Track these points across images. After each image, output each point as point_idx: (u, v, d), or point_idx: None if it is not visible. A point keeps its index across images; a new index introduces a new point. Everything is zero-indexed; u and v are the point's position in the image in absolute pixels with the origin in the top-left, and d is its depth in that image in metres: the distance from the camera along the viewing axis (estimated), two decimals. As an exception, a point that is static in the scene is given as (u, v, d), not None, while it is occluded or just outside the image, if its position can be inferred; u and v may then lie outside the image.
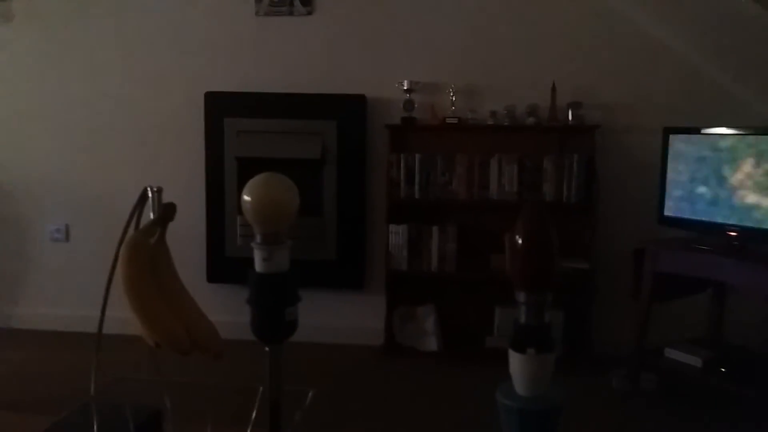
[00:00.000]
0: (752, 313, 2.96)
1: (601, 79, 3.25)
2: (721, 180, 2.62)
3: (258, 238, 0.83)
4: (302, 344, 2.77)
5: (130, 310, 1.00)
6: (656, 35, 3.20)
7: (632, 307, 2.89)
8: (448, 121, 3.23)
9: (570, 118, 3.16)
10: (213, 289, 3.40)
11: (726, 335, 2.94)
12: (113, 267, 1.03)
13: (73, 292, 3.60)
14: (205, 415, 1.11)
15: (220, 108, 3.37)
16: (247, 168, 3.30)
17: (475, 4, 3.32)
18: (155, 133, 3.53)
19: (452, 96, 3.25)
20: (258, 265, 0.83)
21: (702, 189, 2.69)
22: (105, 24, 3.52)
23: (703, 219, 2.68)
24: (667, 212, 2.83)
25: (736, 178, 2.57)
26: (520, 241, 0.74)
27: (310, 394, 1.05)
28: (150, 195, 1.05)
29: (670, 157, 2.82)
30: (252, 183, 0.82)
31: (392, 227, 3.25)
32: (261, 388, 1.01)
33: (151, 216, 1.07)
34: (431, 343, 3.30)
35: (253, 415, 1.05)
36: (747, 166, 2.53)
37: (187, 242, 3.26)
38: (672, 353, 2.75)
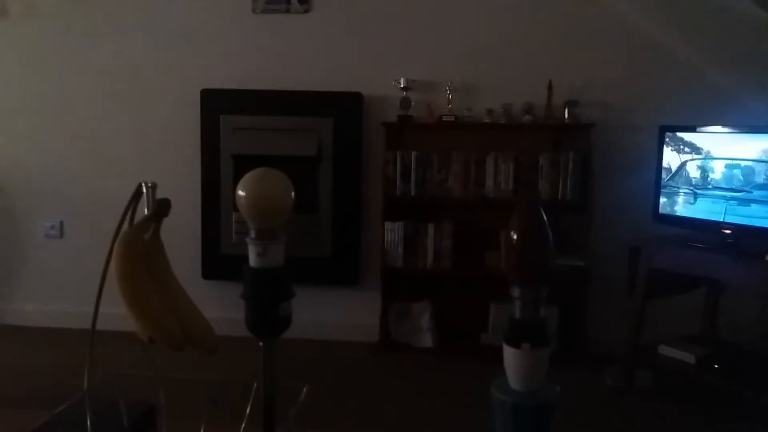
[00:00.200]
0: (746, 310, 2.97)
1: (597, 78, 3.26)
2: (716, 178, 2.63)
3: (252, 234, 0.83)
4: (297, 341, 2.78)
5: (124, 305, 1.00)
6: (652, 34, 3.21)
7: (627, 304, 2.90)
8: (445, 118, 3.23)
9: (566, 116, 3.17)
10: (208, 285, 3.39)
11: (720, 332, 2.96)
12: (107, 263, 1.03)
13: (67, 288, 3.59)
14: (199, 410, 1.11)
15: (217, 105, 3.37)
16: (243, 165, 3.28)
17: (471, 3, 3.32)
18: (151, 129, 3.52)
19: (449, 94, 3.25)
20: (252, 261, 0.83)
21: (697, 187, 2.70)
22: (100, 20, 3.50)
23: (698, 217, 2.69)
24: (662, 210, 2.84)
25: (731, 176, 2.58)
26: (515, 237, 0.74)
27: (304, 389, 1.05)
28: (144, 191, 1.05)
29: (665, 155, 2.83)
30: (246, 178, 0.82)
31: (388, 224, 3.26)
32: (255, 384, 1.01)
33: (146, 212, 1.07)
34: (426, 340, 3.31)
35: (248, 410, 1.05)
36: (741, 164, 2.54)
37: (182, 239, 3.25)
38: (666, 350, 2.76)
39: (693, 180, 2.72)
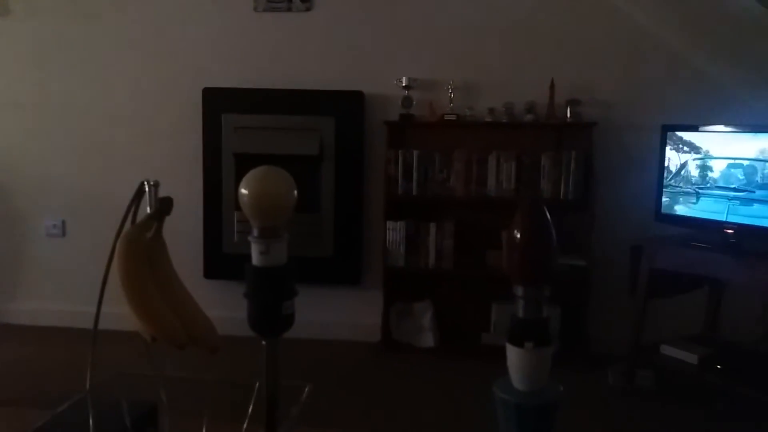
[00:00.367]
0: (748, 310, 2.96)
1: (599, 77, 3.25)
2: (718, 177, 2.62)
3: (255, 232, 0.82)
4: (299, 340, 2.77)
5: (127, 304, 1.00)
6: (655, 33, 3.20)
7: (629, 304, 2.90)
8: (447, 117, 3.23)
9: (568, 115, 3.16)
10: (209, 285, 3.39)
11: (722, 332, 2.95)
12: (109, 261, 1.03)
13: (69, 287, 3.59)
14: (201, 410, 1.11)
15: (218, 104, 3.36)
16: (245, 164, 3.28)
17: (474, 1, 3.31)
18: (153, 128, 3.52)
19: (450, 93, 3.24)
20: (255, 259, 0.83)
21: (699, 186, 2.69)
22: (102, 19, 3.50)
23: (700, 216, 2.68)
24: (664, 209, 2.83)
25: (733, 175, 2.57)
26: (518, 236, 0.73)
27: (306, 388, 1.04)
28: (147, 189, 1.05)
29: (667, 154, 2.82)
30: (249, 176, 0.82)
31: (390, 224, 3.25)
32: (257, 384, 1.01)
33: (148, 210, 1.07)
34: (428, 339, 3.30)
35: (250, 410, 1.05)
36: (743, 163, 2.54)
37: (184, 238, 3.25)
38: (668, 350, 2.76)
39: (695, 179, 2.71)
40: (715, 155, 2.65)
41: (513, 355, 0.76)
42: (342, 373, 3.04)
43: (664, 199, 2.83)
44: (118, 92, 3.53)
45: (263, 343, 0.86)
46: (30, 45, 3.55)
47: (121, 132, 3.54)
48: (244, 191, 0.80)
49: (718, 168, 2.64)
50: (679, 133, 2.79)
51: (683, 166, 2.77)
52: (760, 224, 2.47)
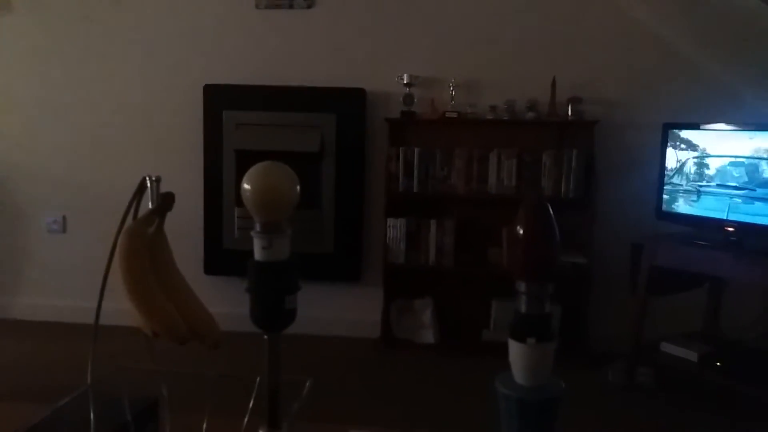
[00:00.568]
0: (748, 308, 2.97)
1: (601, 75, 3.25)
2: (720, 175, 2.62)
3: (258, 227, 0.82)
4: (299, 336, 2.78)
5: (128, 298, 1.00)
6: (656, 31, 3.20)
7: (629, 302, 2.90)
8: (448, 115, 3.23)
9: (569, 113, 3.16)
10: (210, 281, 3.40)
11: (722, 330, 2.95)
12: (110, 256, 1.03)
13: (69, 283, 3.59)
14: (202, 404, 1.11)
15: (219, 100, 3.36)
16: (246, 161, 3.29)
17: (475, -2, 3.31)
18: (154, 124, 3.52)
19: (452, 90, 3.24)
20: (258, 254, 0.82)
21: (700, 184, 2.69)
22: (103, 16, 3.50)
23: (701, 214, 2.68)
24: (665, 207, 2.83)
25: (734, 173, 2.57)
26: (521, 231, 0.73)
27: (308, 383, 1.04)
28: (149, 184, 1.05)
29: (668, 152, 2.82)
30: (252, 171, 0.82)
31: (390, 221, 3.25)
32: (258, 379, 1.01)
33: (150, 206, 1.07)
34: (428, 336, 3.31)
35: (250, 405, 1.05)
36: (745, 161, 2.54)
37: (184, 234, 3.25)
38: (668, 347, 2.76)
39: (696, 177, 2.71)
40: (716, 153, 2.65)
41: (515, 350, 0.76)
42: (342, 370, 3.04)
43: (665, 197, 2.83)
44: (119, 88, 3.53)
45: (265, 337, 0.86)
46: (31, 41, 3.55)
47: (122, 128, 3.54)
48: (246, 186, 0.80)
49: (719, 166, 2.64)
50: (681, 132, 2.79)
51: (684, 164, 2.77)
52: (761, 222, 2.47)
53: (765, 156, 2.48)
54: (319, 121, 3.31)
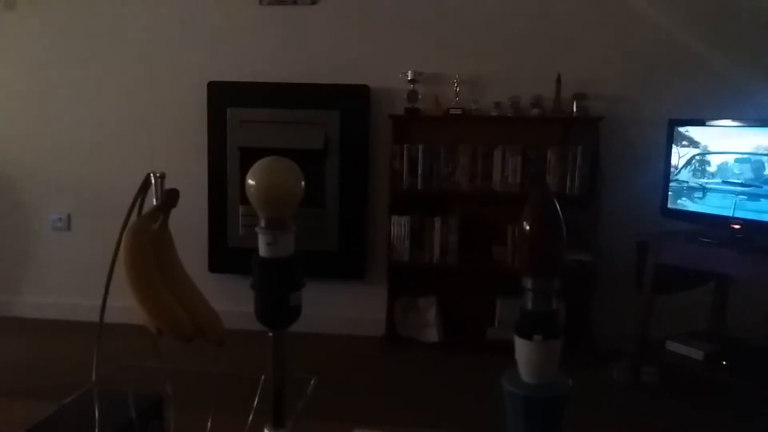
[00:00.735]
0: (754, 306, 2.95)
1: (606, 71, 3.23)
2: (725, 172, 2.61)
3: (262, 223, 0.82)
4: (303, 334, 2.78)
5: (133, 296, 0.99)
6: (662, 27, 3.18)
7: (634, 300, 2.89)
8: (452, 111, 3.22)
9: (574, 109, 3.15)
10: (214, 278, 3.40)
11: (728, 328, 2.94)
12: (115, 253, 1.03)
13: (74, 281, 3.60)
14: (206, 402, 1.11)
15: (223, 97, 3.36)
16: (250, 158, 3.29)
17: (479, -6, 3.30)
18: (158, 122, 3.52)
19: (456, 87, 3.23)
20: (262, 250, 0.82)
21: (706, 181, 2.68)
22: (108, 12, 3.50)
23: (707, 211, 2.67)
24: (670, 204, 2.82)
25: (740, 170, 2.55)
26: (527, 227, 0.73)
27: (312, 381, 1.04)
28: (153, 181, 1.04)
29: (674, 149, 2.80)
30: (256, 167, 0.81)
31: (394, 218, 3.25)
32: (263, 377, 1.00)
33: (154, 202, 1.06)
34: (432, 334, 3.30)
35: (255, 403, 1.04)
36: (751, 158, 2.52)
37: (188, 232, 3.25)
38: (674, 346, 2.75)
39: (702, 174, 2.70)
40: (721, 150, 2.64)
41: (521, 347, 0.75)
42: (346, 368, 3.04)
43: (670, 194, 2.81)
44: (123, 86, 3.53)
45: (270, 335, 0.85)
46: (35, 39, 3.56)
47: (126, 126, 3.55)
48: (251, 182, 0.80)
49: (724, 163, 2.62)
50: (686, 128, 2.77)
51: (690, 160, 2.75)
52: (767, 220, 2.45)
53: (772, 153, 2.46)
54: (323, 118, 3.30)
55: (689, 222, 2.77)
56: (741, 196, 2.55)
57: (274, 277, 0.81)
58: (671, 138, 2.82)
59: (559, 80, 3.15)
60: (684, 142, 2.78)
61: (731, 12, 3.02)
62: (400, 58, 3.32)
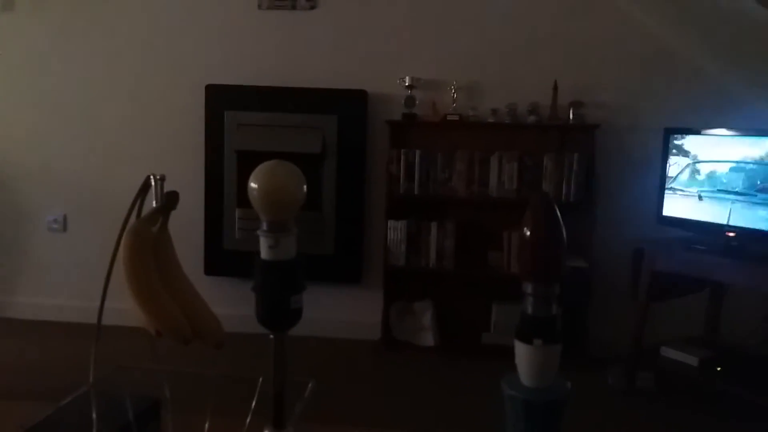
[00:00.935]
0: (749, 312, 2.97)
1: (602, 79, 3.25)
2: (721, 180, 2.62)
3: (264, 226, 0.82)
4: (299, 338, 2.77)
5: (132, 297, 0.99)
6: (658, 35, 3.21)
7: (630, 306, 2.90)
8: (449, 117, 3.23)
9: (571, 116, 3.16)
10: (210, 281, 3.39)
11: (722, 335, 2.95)
12: (114, 255, 1.03)
13: (70, 282, 3.59)
14: (204, 405, 1.11)
15: (221, 101, 3.36)
16: (247, 161, 3.29)
17: (478, 2, 3.31)
18: (155, 124, 3.52)
19: (454, 93, 3.24)
20: (264, 253, 0.82)
21: (701, 189, 2.69)
22: (106, 15, 3.50)
23: (702, 219, 2.68)
24: (666, 212, 2.83)
25: (736, 178, 2.57)
26: (528, 233, 0.73)
27: (310, 385, 1.04)
28: (153, 183, 1.05)
29: (670, 157, 2.82)
30: (259, 170, 0.82)
31: (391, 223, 3.25)
32: (261, 379, 1.00)
33: (154, 204, 1.06)
34: (428, 339, 3.30)
35: (253, 405, 1.04)
36: (746, 166, 2.54)
37: (185, 234, 3.21)
38: (668, 352, 2.76)
39: (697, 182, 2.71)
40: (717, 158, 2.66)
41: (522, 351, 0.76)
42: (342, 372, 3.03)
43: (666, 201, 2.83)
44: (121, 88, 3.52)
45: (271, 337, 0.86)
46: (33, 41, 3.55)
47: (124, 128, 3.54)
48: (254, 185, 0.80)
49: (720, 171, 2.64)
50: (682, 136, 2.79)
51: (685, 168, 2.77)
52: (762, 228, 2.47)
53: (766, 161, 2.48)
54: (321, 123, 3.31)
55: (684, 229, 2.78)
56: (736, 204, 2.57)
57: (276, 279, 0.81)
58: (667, 146, 2.84)
59: (555, 88, 3.16)
60: (679, 151, 2.79)
61: (727, 21, 3.04)
62: (398, 64, 3.33)
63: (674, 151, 2.81)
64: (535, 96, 3.21)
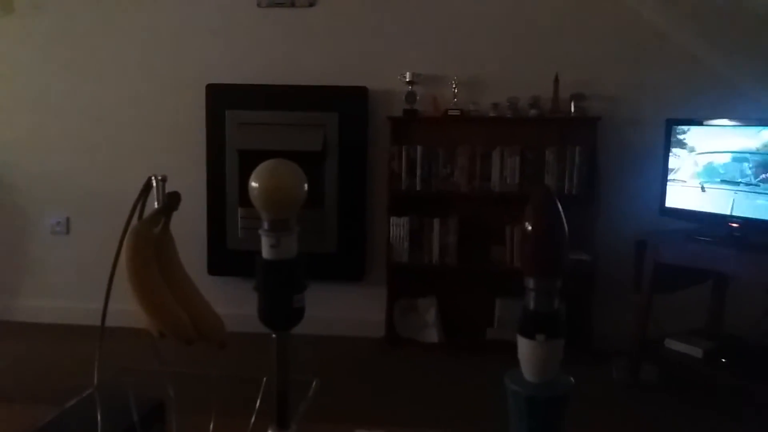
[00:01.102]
0: (753, 303, 2.96)
1: (603, 71, 3.24)
2: (723, 171, 2.62)
3: (265, 225, 0.82)
4: (303, 336, 2.77)
5: (134, 298, 0.99)
6: (659, 27, 3.19)
7: (633, 298, 2.89)
8: (450, 113, 3.22)
9: (572, 109, 3.15)
10: (213, 281, 3.40)
11: (726, 326, 2.95)
12: (116, 257, 1.03)
13: (73, 284, 3.60)
14: (208, 405, 1.11)
15: (222, 100, 3.36)
16: (249, 160, 3.30)
17: (476, -5, 3.30)
18: (156, 125, 3.52)
19: (454, 88, 3.24)
20: (265, 252, 0.82)
21: (703, 180, 2.69)
22: (106, 16, 3.50)
23: (705, 210, 2.68)
24: (668, 203, 2.83)
25: (738, 169, 2.56)
26: (529, 228, 0.73)
27: (314, 383, 1.04)
28: (154, 184, 1.04)
29: (672, 148, 2.81)
30: (259, 169, 0.82)
31: (393, 219, 3.25)
32: (265, 379, 1.00)
33: (156, 205, 1.06)
34: (432, 335, 3.30)
35: (257, 405, 1.04)
36: (748, 157, 2.53)
37: (187, 234, 3.22)
38: (672, 344, 2.76)
39: (700, 173, 2.70)
40: (719, 149, 2.65)
41: (524, 347, 0.76)
42: (346, 369, 3.04)
43: (668, 193, 2.82)
44: (122, 89, 3.52)
45: (273, 336, 0.85)
46: (34, 42, 3.55)
47: (125, 129, 3.54)
48: (254, 184, 0.80)
49: (722, 161, 2.63)
50: (684, 128, 2.78)
51: (688, 160, 2.76)
52: (765, 218, 2.46)
53: (769, 151, 2.47)
54: (322, 120, 3.30)
55: (687, 221, 2.78)
56: (739, 195, 2.56)
57: (277, 279, 0.81)
58: (668, 137, 2.83)
59: (556, 81, 3.15)
60: (681, 142, 2.78)
61: (728, 11, 3.02)
62: (398, 60, 3.33)
63: (676, 142, 2.80)
64: (536, 89, 3.21)
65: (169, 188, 1.06)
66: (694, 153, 2.74)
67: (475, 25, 3.31)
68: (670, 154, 2.82)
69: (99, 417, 1.00)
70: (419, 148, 3.23)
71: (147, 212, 1.08)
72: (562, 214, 0.71)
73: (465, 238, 3.27)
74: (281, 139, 3.28)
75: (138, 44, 3.50)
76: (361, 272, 3.43)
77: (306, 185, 0.81)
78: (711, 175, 2.66)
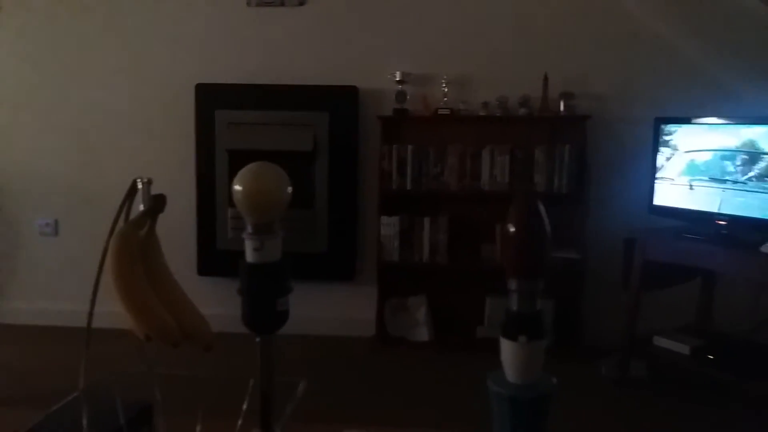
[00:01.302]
0: (740, 300, 2.99)
1: (592, 70, 3.26)
2: (711, 169, 2.63)
3: (249, 228, 0.82)
4: (293, 336, 2.77)
5: (119, 301, 0.99)
6: (647, 25, 3.21)
7: (622, 296, 2.91)
8: (440, 112, 3.23)
9: (562, 108, 3.17)
10: (203, 281, 3.39)
11: (714, 323, 2.97)
12: (102, 259, 1.02)
13: (62, 286, 3.57)
14: (195, 407, 1.11)
15: (211, 100, 3.35)
16: (238, 160, 3.28)
17: (465, -6, 3.31)
18: (145, 125, 3.51)
19: (444, 87, 3.24)
20: (249, 256, 0.82)
21: (692, 178, 2.70)
22: (94, 15, 3.47)
23: (693, 208, 2.70)
24: (657, 201, 2.84)
25: (726, 167, 2.58)
26: (512, 229, 0.73)
27: (300, 385, 1.04)
28: (140, 187, 1.04)
29: (660, 146, 2.83)
30: (243, 172, 0.82)
31: (384, 218, 3.25)
32: (252, 381, 1.00)
33: (141, 208, 1.06)
34: (422, 334, 3.31)
35: (244, 406, 1.04)
36: (736, 155, 2.55)
37: (177, 235, 3.24)
38: (661, 341, 2.78)
39: (688, 171, 2.72)
40: (707, 147, 2.66)
41: (506, 348, 0.76)
42: (337, 369, 3.04)
43: (657, 191, 2.84)
44: (110, 89, 3.50)
45: (257, 339, 0.86)
46: (21, 42, 3.52)
47: (114, 129, 3.52)
48: (238, 187, 0.80)
49: (710, 160, 2.65)
50: (672, 126, 2.80)
51: (676, 158, 2.78)
52: (752, 215, 2.48)
53: (756, 149, 2.49)
54: (312, 120, 3.30)
55: (676, 218, 2.79)
56: (727, 193, 2.58)
57: (261, 282, 0.81)
58: (657, 136, 2.84)
59: (546, 80, 3.16)
60: (670, 140, 2.80)
61: (717, 11, 3.04)
62: (388, 59, 3.33)
63: (664, 140, 2.82)
64: (525, 88, 3.21)
65: (158, 189, 1.06)
66: (682, 151, 2.76)
67: (465, 25, 3.31)
68: (659, 152, 2.84)
69: (85, 421, 1.00)
70: (409, 148, 3.23)
71: (133, 215, 1.08)
72: (544, 216, 0.72)
73: (455, 237, 3.28)
74: (271, 139, 3.27)
75: (126, 44, 3.48)
76: (352, 271, 3.43)
77: (290, 188, 0.81)
78: (699, 173, 2.68)
